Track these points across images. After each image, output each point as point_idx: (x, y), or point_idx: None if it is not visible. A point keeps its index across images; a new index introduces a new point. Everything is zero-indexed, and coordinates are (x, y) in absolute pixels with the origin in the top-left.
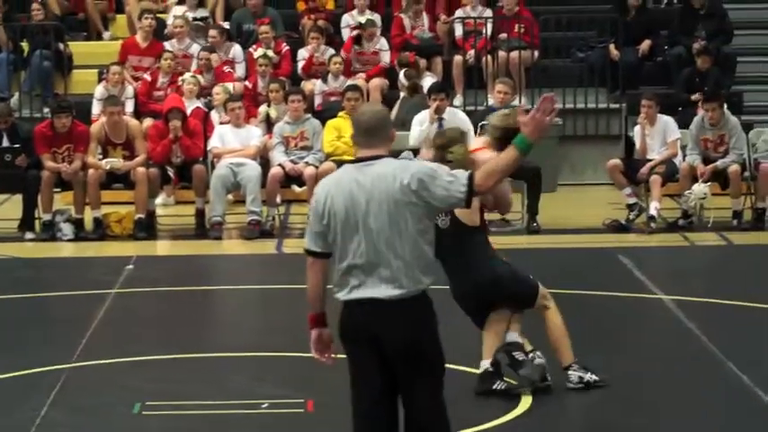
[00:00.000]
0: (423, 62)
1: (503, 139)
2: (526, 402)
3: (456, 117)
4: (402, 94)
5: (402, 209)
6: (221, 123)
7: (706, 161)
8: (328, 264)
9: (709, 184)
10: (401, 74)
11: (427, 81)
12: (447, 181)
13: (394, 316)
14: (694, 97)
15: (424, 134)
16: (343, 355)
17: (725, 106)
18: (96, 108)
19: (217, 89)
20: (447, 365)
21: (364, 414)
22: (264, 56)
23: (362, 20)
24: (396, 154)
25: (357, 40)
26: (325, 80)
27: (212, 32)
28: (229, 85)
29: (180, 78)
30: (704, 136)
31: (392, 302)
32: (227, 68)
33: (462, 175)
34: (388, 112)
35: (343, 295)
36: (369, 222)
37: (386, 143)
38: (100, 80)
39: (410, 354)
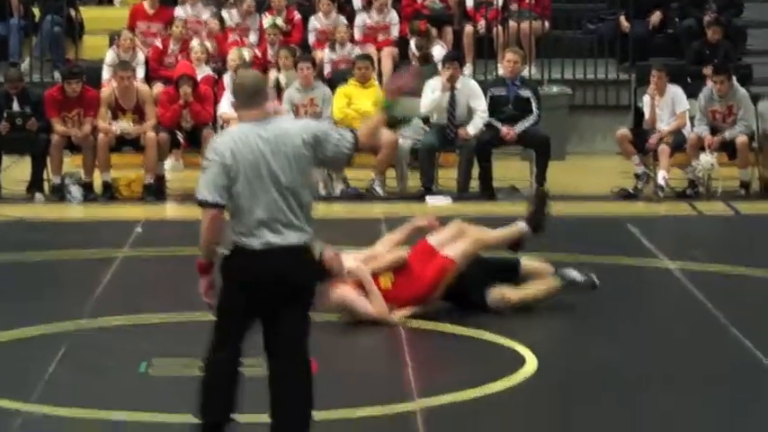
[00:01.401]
0: (434, 31)
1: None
2: (532, 364)
3: (468, 86)
4: (413, 63)
5: (302, 162)
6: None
7: (714, 132)
8: (224, 216)
9: (716, 154)
10: (412, 43)
11: (438, 50)
12: (337, 138)
13: (302, 260)
14: (706, 71)
15: (435, 102)
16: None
17: (733, 78)
18: (106, 73)
19: (232, 54)
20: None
21: (222, 343)
22: (273, 24)
23: None
24: (408, 120)
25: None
26: (333, 48)
27: (247, 3)
28: (244, 50)
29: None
30: (712, 107)
31: (300, 248)
32: (233, 36)
33: (348, 134)
34: (264, 76)
35: (257, 243)
36: (277, 175)
37: (266, 102)
38: (111, 45)
39: (307, 292)
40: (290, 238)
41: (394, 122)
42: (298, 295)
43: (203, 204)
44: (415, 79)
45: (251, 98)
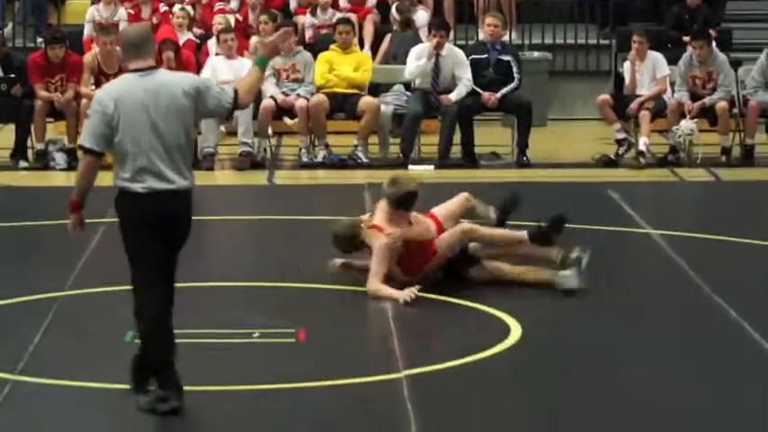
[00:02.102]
0: None
1: (400, 204)
2: (516, 333)
3: (453, 54)
4: (394, 28)
5: (182, 112)
6: (216, 54)
7: (694, 98)
8: (100, 162)
9: (696, 120)
10: (393, 7)
11: (420, 15)
12: (218, 93)
13: (185, 202)
14: (686, 38)
15: (421, 69)
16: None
17: (713, 43)
18: (87, 29)
19: (218, 18)
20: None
21: (151, 283)
22: None
23: None
24: (388, 87)
25: None
26: (314, 13)
27: None
28: (230, 17)
29: (161, 7)
30: (692, 73)
31: (182, 191)
32: (218, 6)
33: (230, 89)
34: (150, 29)
35: (140, 188)
36: (158, 124)
37: (152, 54)
38: (93, 3)
39: (186, 230)
40: (172, 183)
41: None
42: (179, 234)
43: (82, 150)
44: (286, 39)
45: (136, 50)
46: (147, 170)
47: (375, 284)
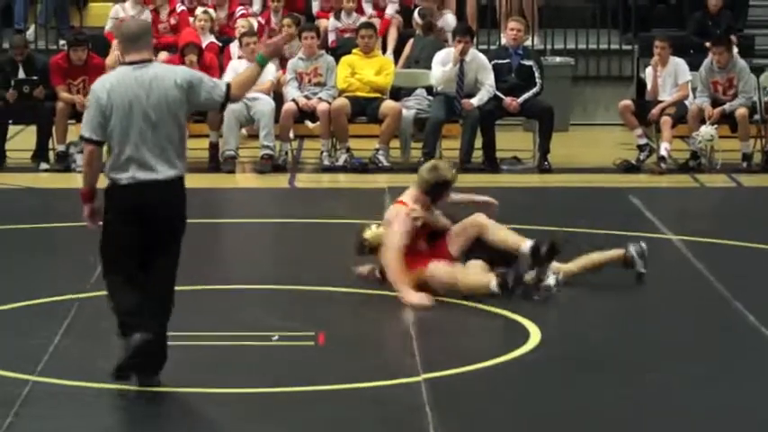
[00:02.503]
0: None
1: (431, 191)
2: (536, 337)
3: (476, 59)
4: (416, 32)
5: (174, 104)
6: (238, 58)
7: (715, 104)
8: (102, 151)
9: (716, 126)
10: (415, 12)
11: (447, 19)
12: (210, 86)
13: (170, 192)
14: (708, 45)
15: (447, 75)
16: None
17: (734, 50)
18: (110, 25)
19: (241, 22)
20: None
21: (124, 273)
22: None
23: None
24: (410, 91)
25: None
26: (338, 17)
27: None
28: (253, 20)
29: (178, 7)
30: (713, 79)
31: (169, 182)
32: (240, 10)
33: (222, 83)
34: (148, 24)
35: (124, 178)
36: (149, 114)
37: (149, 48)
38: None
39: (175, 222)
40: (158, 173)
41: None
42: (166, 226)
43: (83, 140)
44: (288, 42)
45: (132, 43)
46: (134, 159)
47: (393, 257)
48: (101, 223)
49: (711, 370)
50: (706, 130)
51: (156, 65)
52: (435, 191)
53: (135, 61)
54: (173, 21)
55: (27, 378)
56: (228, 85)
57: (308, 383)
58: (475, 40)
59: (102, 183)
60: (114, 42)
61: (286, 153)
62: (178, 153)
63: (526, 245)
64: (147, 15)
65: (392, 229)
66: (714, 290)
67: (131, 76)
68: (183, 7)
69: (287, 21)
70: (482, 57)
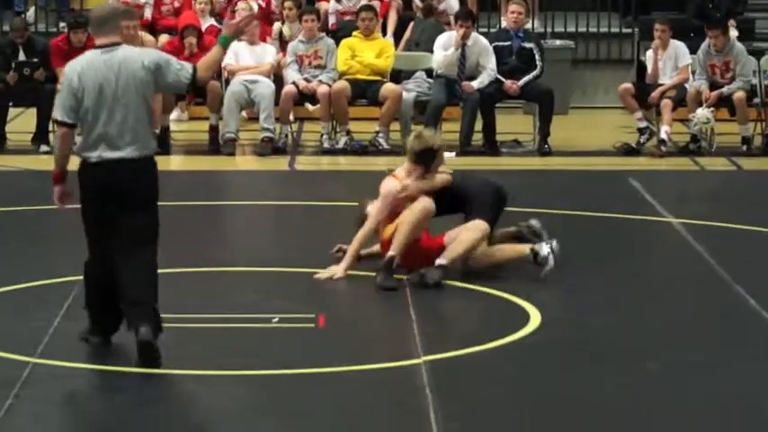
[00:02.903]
0: None
1: (420, 160)
2: (536, 319)
3: (478, 43)
4: (417, 15)
5: (142, 85)
6: (238, 40)
7: (714, 86)
8: (74, 133)
9: (712, 109)
10: None
11: (449, 3)
12: (177, 69)
13: (139, 170)
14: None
15: (449, 59)
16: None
17: (731, 33)
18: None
19: (241, 4)
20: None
21: (92, 242)
22: None
23: None
24: (410, 74)
25: None
26: (338, 0)
27: None
28: (253, 3)
29: None
30: (711, 61)
31: (137, 160)
32: None
33: (188, 65)
34: (118, 8)
35: (93, 156)
36: (117, 96)
37: (117, 32)
38: None
39: (147, 199)
40: (126, 152)
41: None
42: (136, 204)
43: (56, 122)
44: (249, 24)
45: (101, 27)
46: (103, 139)
47: (365, 228)
48: (68, 206)
49: (712, 355)
50: (702, 113)
51: (124, 47)
52: (424, 159)
53: (103, 45)
54: (176, 4)
55: (27, 360)
56: (195, 67)
57: (308, 366)
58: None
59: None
60: None
61: (286, 136)
62: (147, 133)
63: (527, 252)
64: None
65: (377, 203)
66: (715, 273)
67: (100, 59)
68: None
69: (288, 3)
70: (484, 40)
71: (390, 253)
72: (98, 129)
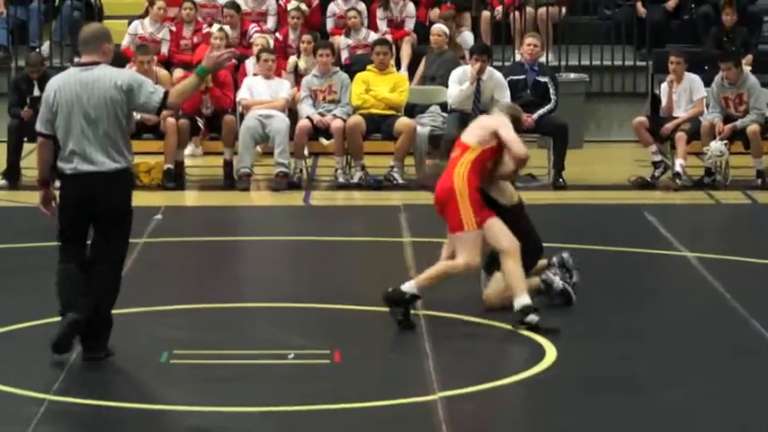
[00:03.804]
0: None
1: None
2: (552, 354)
3: (493, 77)
4: (430, 49)
5: (113, 103)
6: (254, 75)
7: (728, 119)
8: (52, 143)
9: (726, 142)
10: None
11: (464, 36)
12: (149, 92)
13: (112, 183)
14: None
15: (464, 94)
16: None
17: (744, 65)
18: (127, 40)
19: (258, 39)
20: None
21: (71, 257)
22: (297, 8)
23: None
24: (424, 108)
25: (385, 4)
26: (348, 34)
27: None
28: (269, 36)
29: (205, 28)
30: (724, 94)
31: (110, 173)
32: (253, 27)
33: (161, 90)
34: (104, 29)
35: (68, 168)
36: (88, 113)
37: (99, 52)
38: (138, 17)
39: (118, 211)
40: (99, 166)
41: None
42: (109, 214)
43: (36, 133)
44: (228, 61)
45: (85, 46)
46: (76, 153)
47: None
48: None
49: (728, 389)
50: (716, 146)
51: (102, 67)
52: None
53: (83, 63)
54: (195, 39)
55: (43, 397)
56: (167, 93)
57: (325, 402)
58: None
59: None
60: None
61: (300, 170)
62: (119, 148)
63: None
64: (165, 33)
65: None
66: (730, 308)
67: (77, 77)
68: (209, 29)
69: (307, 37)
70: (499, 75)
71: (412, 291)
72: (71, 143)
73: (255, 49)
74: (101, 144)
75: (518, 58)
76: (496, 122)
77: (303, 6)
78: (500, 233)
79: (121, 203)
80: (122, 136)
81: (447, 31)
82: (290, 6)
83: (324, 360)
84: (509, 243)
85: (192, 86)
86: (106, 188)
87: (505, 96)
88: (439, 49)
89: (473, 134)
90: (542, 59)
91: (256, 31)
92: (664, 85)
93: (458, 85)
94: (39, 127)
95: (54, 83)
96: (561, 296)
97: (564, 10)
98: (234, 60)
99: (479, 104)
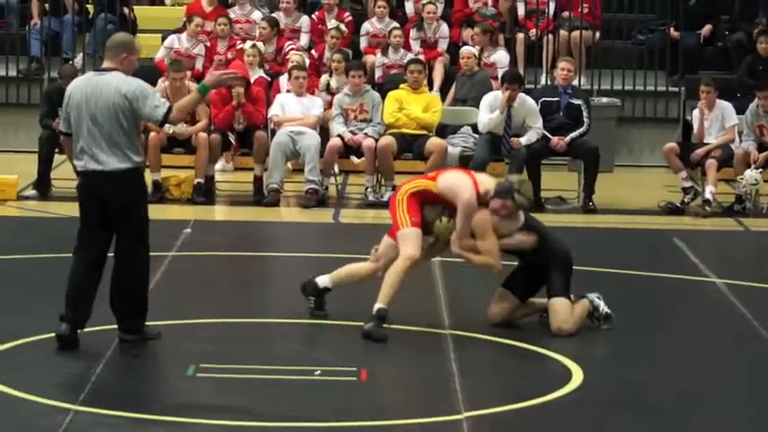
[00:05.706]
0: (500, 37)
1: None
2: (578, 377)
3: (524, 104)
4: (462, 71)
5: (118, 109)
6: (287, 91)
7: (762, 148)
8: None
9: (761, 170)
10: (462, 49)
11: (498, 56)
12: (154, 105)
13: (119, 182)
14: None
15: (495, 122)
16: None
17: None
18: (162, 53)
19: (294, 56)
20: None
21: (87, 250)
22: (338, 28)
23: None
24: (456, 128)
25: (419, 25)
26: (385, 53)
27: (285, 2)
28: (305, 54)
29: (239, 44)
30: (759, 122)
31: (116, 173)
32: (289, 44)
33: (166, 105)
34: (128, 40)
35: (79, 166)
36: (95, 115)
37: (117, 60)
38: (175, 32)
39: (126, 209)
40: (105, 165)
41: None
42: (118, 212)
43: (59, 131)
44: (233, 82)
45: (107, 52)
46: (85, 151)
47: (458, 245)
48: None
49: (754, 414)
50: (751, 174)
51: (113, 74)
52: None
53: (101, 68)
54: (229, 55)
55: (69, 407)
56: (170, 108)
57: (350, 419)
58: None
59: None
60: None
61: (326, 188)
62: (123, 149)
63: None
64: (200, 49)
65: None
66: (758, 334)
67: (90, 81)
68: (243, 45)
69: (338, 56)
70: (530, 101)
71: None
72: (80, 141)
73: (289, 66)
74: (106, 145)
75: (551, 81)
76: (477, 219)
77: (343, 27)
78: (412, 240)
79: (129, 203)
80: (127, 139)
81: (476, 52)
82: (330, 25)
83: (350, 377)
84: (412, 252)
85: (192, 103)
86: (112, 187)
87: (538, 122)
88: (469, 70)
89: (452, 182)
90: (575, 83)
91: (292, 48)
92: (695, 112)
93: (488, 112)
94: (59, 125)
95: (70, 86)
96: (606, 320)
97: (597, 34)
98: (238, 82)
99: (510, 130)
